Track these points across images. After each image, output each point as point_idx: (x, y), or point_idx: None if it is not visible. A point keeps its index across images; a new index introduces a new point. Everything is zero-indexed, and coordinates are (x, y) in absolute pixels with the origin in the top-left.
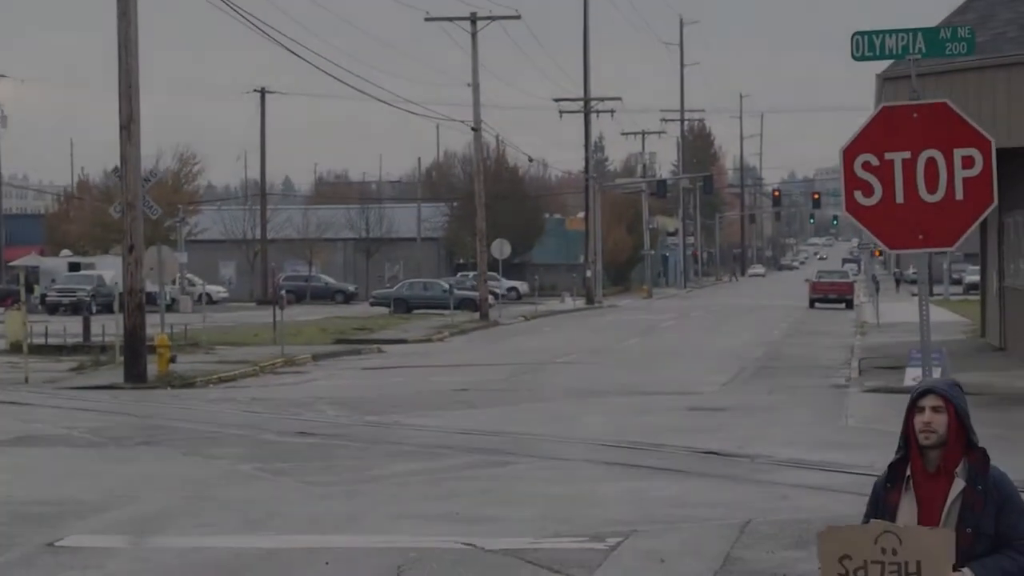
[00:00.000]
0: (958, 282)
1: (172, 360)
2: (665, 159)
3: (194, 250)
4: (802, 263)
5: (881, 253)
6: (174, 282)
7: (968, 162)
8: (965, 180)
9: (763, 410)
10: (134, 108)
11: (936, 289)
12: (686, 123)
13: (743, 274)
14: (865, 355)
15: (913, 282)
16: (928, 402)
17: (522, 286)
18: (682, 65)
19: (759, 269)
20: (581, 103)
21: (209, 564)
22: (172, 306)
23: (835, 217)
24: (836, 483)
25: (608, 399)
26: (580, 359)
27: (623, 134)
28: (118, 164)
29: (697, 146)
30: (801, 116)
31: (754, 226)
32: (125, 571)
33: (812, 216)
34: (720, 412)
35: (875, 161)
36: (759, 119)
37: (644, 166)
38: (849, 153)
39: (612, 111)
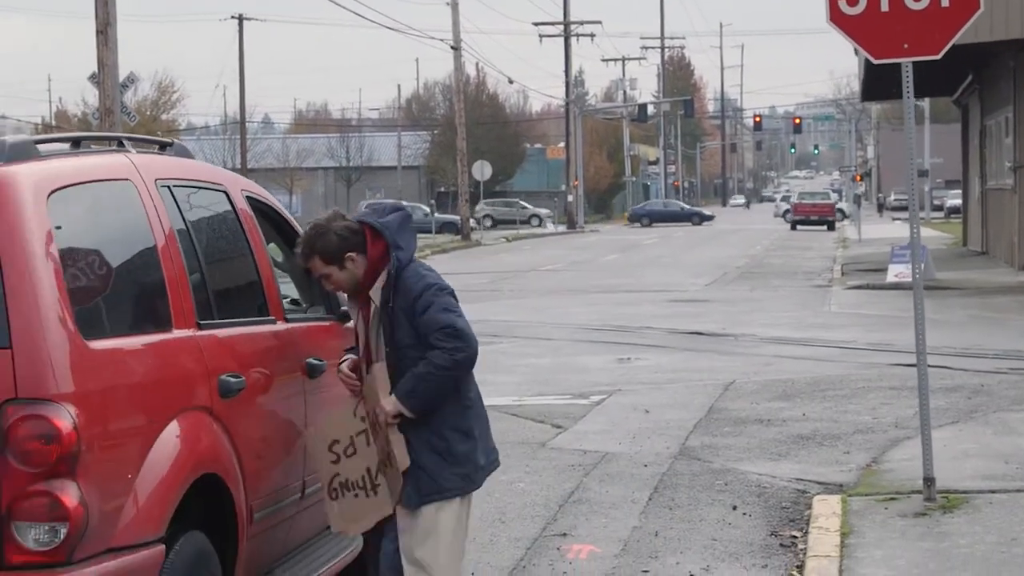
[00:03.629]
0: (939, 208)
1: None
2: (646, 89)
3: None
4: (784, 197)
5: (862, 178)
6: None
7: None
8: None
9: (746, 302)
10: (111, 12)
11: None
12: (666, 51)
13: (724, 205)
14: (847, 263)
15: (895, 208)
16: (316, 273)
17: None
18: None
19: (740, 200)
20: (561, 27)
21: None
22: None
23: (816, 147)
24: (820, 354)
25: (591, 296)
26: (563, 268)
27: (603, 60)
28: (95, 71)
29: (677, 76)
30: (781, 47)
31: (735, 156)
32: None
33: (793, 146)
34: (703, 303)
35: None
36: (740, 51)
37: (624, 92)
38: None
39: (592, 35)
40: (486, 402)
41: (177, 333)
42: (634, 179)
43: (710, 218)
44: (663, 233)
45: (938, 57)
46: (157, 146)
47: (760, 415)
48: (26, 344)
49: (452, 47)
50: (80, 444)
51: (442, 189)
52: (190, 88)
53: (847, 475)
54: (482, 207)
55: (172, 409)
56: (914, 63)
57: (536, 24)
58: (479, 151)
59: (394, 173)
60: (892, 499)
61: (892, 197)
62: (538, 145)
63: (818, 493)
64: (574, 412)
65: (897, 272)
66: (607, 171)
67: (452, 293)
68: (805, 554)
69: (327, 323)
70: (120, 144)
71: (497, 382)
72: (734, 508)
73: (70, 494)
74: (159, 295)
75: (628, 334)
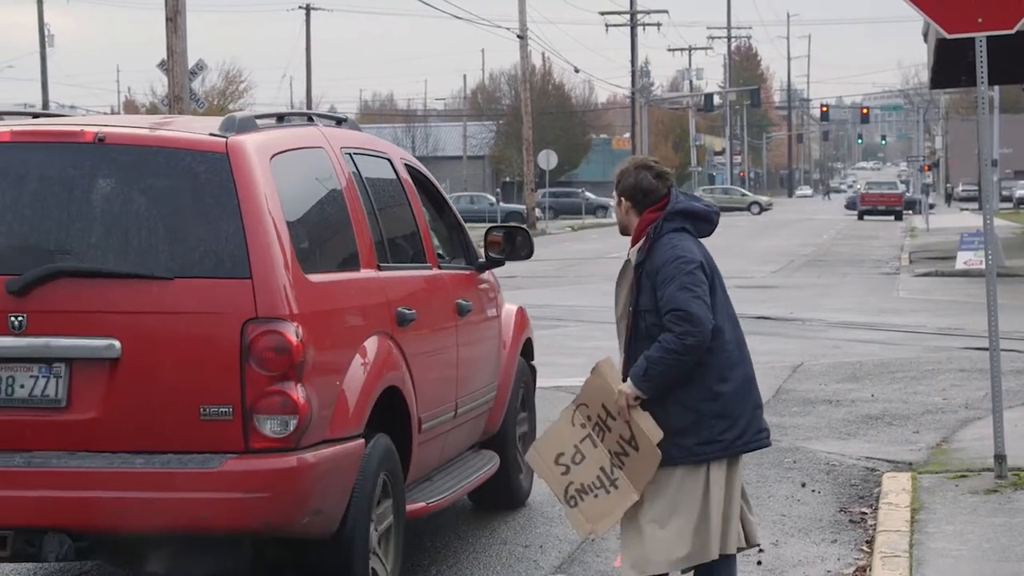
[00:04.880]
0: (1008, 199)
1: None
2: (712, 80)
3: None
4: (850, 186)
5: (930, 168)
6: None
7: None
8: None
9: (813, 288)
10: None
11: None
12: (733, 41)
13: (790, 196)
14: (915, 251)
15: (963, 199)
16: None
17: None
18: None
19: (807, 191)
20: (627, 16)
21: None
22: None
23: (883, 137)
24: (887, 338)
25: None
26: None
27: (669, 50)
28: (165, 58)
29: (744, 67)
30: (849, 37)
31: (801, 147)
32: None
33: (860, 136)
34: (770, 289)
35: None
36: (807, 41)
37: (691, 82)
38: None
39: (658, 24)
40: (552, 383)
41: (364, 273)
42: (700, 169)
43: (768, 207)
44: (726, 222)
45: (1013, 31)
46: (335, 121)
47: (828, 396)
48: (262, 275)
49: (518, 36)
50: (304, 354)
51: (507, 179)
52: (257, 78)
53: (917, 454)
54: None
55: (365, 332)
56: (986, 46)
57: (602, 13)
58: (544, 141)
59: (459, 163)
60: (962, 476)
61: (960, 187)
62: (603, 135)
63: (888, 471)
64: None
65: (966, 259)
66: (673, 161)
67: (702, 268)
68: (875, 529)
69: (467, 272)
70: (310, 119)
71: (562, 364)
72: (803, 485)
73: (298, 394)
74: (349, 241)
75: None
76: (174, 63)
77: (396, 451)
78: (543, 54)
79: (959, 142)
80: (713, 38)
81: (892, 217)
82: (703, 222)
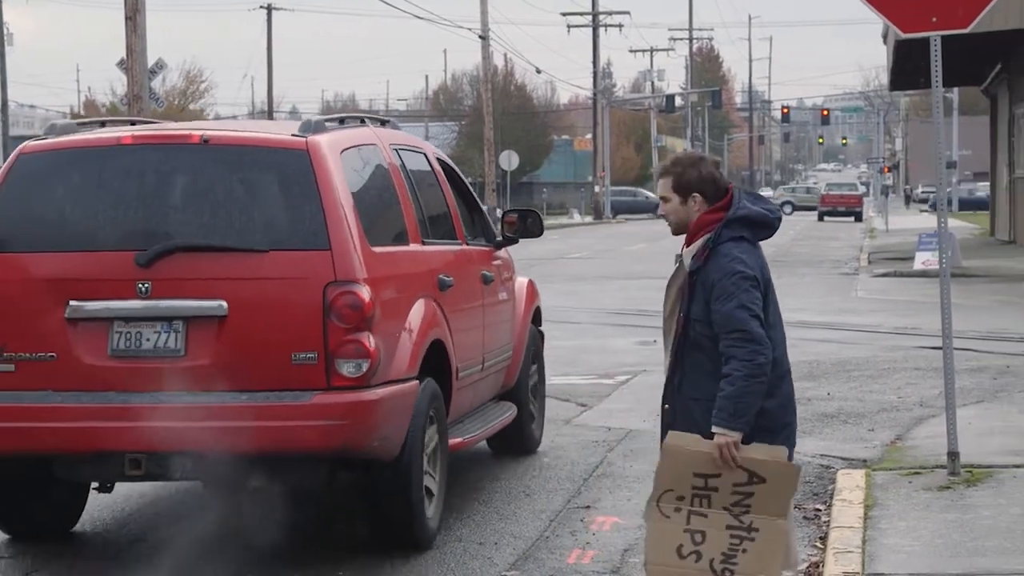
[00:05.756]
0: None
1: None
2: (673, 81)
3: None
4: (810, 188)
5: (890, 170)
6: None
7: None
8: None
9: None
10: None
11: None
12: (695, 43)
13: None
14: (874, 251)
15: (922, 200)
16: (658, 191)
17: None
18: None
19: (768, 192)
20: (589, 17)
21: None
22: None
23: (844, 139)
24: (845, 337)
25: (617, 282)
26: (590, 257)
27: (631, 51)
28: (124, 56)
29: (706, 68)
30: (810, 39)
31: (762, 148)
32: None
33: (821, 138)
34: None
35: None
36: (768, 43)
37: (652, 84)
38: None
39: (620, 25)
40: None
41: (412, 246)
42: None
43: None
44: None
45: (967, 30)
46: (379, 123)
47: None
48: (339, 247)
49: (480, 36)
50: (373, 310)
51: (469, 180)
52: (218, 78)
53: (871, 451)
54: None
55: (416, 294)
56: (943, 49)
57: (564, 14)
58: (506, 142)
59: None
60: (916, 473)
61: (920, 189)
62: (565, 136)
63: (842, 468)
64: (599, 391)
65: (924, 259)
66: (634, 162)
67: (758, 285)
68: (828, 526)
69: (488, 248)
70: (363, 121)
71: None
72: None
73: (369, 342)
74: (400, 220)
75: (653, 318)
76: (133, 62)
77: (440, 393)
78: (505, 55)
79: (919, 144)
80: (675, 39)
81: (852, 218)
82: (763, 228)
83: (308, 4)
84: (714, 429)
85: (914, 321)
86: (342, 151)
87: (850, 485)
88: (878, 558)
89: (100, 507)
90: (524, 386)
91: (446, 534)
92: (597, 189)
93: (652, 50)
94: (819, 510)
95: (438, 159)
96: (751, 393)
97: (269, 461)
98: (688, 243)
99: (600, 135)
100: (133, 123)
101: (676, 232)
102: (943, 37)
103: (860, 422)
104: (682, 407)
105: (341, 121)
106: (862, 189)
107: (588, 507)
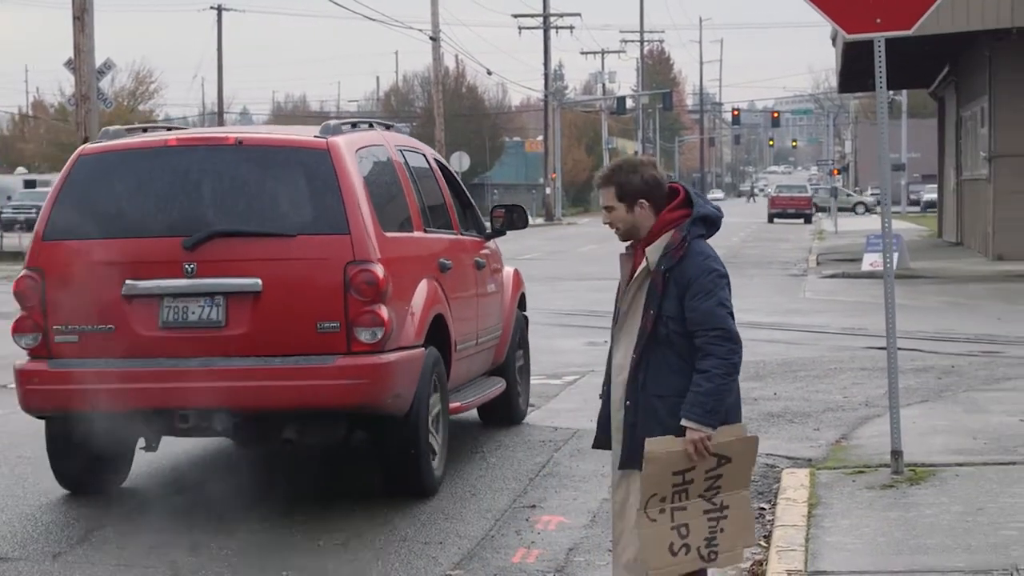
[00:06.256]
0: (915, 203)
1: None
2: (625, 83)
3: None
4: (761, 190)
5: (839, 172)
6: None
7: None
8: None
9: None
10: None
11: (894, 209)
12: (646, 45)
13: None
14: (823, 253)
15: (860, 203)
16: (602, 201)
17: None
18: None
19: (718, 194)
20: (540, 19)
21: None
22: None
23: (794, 141)
24: (792, 337)
25: (566, 283)
26: (540, 258)
27: (583, 53)
28: (71, 57)
29: (657, 70)
30: (761, 42)
31: (713, 150)
32: None
33: (771, 140)
34: None
35: None
36: (719, 45)
37: (604, 86)
38: None
39: (571, 27)
40: None
41: (416, 234)
42: None
43: None
44: None
45: (911, 32)
46: (384, 126)
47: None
48: (357, 232)
49: (431, 38)
50: (387, 286)
51: None
52: (168, 79)
53: (816, 450)
54: None
55: (421, 275)
56: (891, 51)
57: (515, 16)
58: (457, 143)
59: None
60: (860, 472)
61: (868, 192)
62: (516, 138)
63: (787, 467)
64: (547, 391)
65: (872, 261)
66: (585, 164)
67: (729, 283)
68: (773, 524)
69: (479, 239)
70: (371, 125)
71: None
72: None
73: (384, 312)
74: (405, 210)
75: (602, 319)
76: (81, 62)
77: (442, 361)
78: (456, 56)
79: (868, 146)
80: (626, 42)
81: (801, 220)
82: (715, 227)
83: (258, 5)
84: (687, 423)
85: (861, 321)
86: (357, 150)
87: (794, 484)
88: (821, 556)
89: (146, 465)
90: (511, 363)
91: (391, 534)
92: (548, 191)
93: (603, 52)
94: (764, 509)
95: (435, 159)
96: (726, 391)
97: (298, 416)
98: (648, 242)
99: (551, 137)
100: (169, 129)
101: (625, 238)
102: (890, 40)
103: (806, 422)
104: (645, 404)
105: (353, 125)
106: (811, 191)
107: (534, 506)
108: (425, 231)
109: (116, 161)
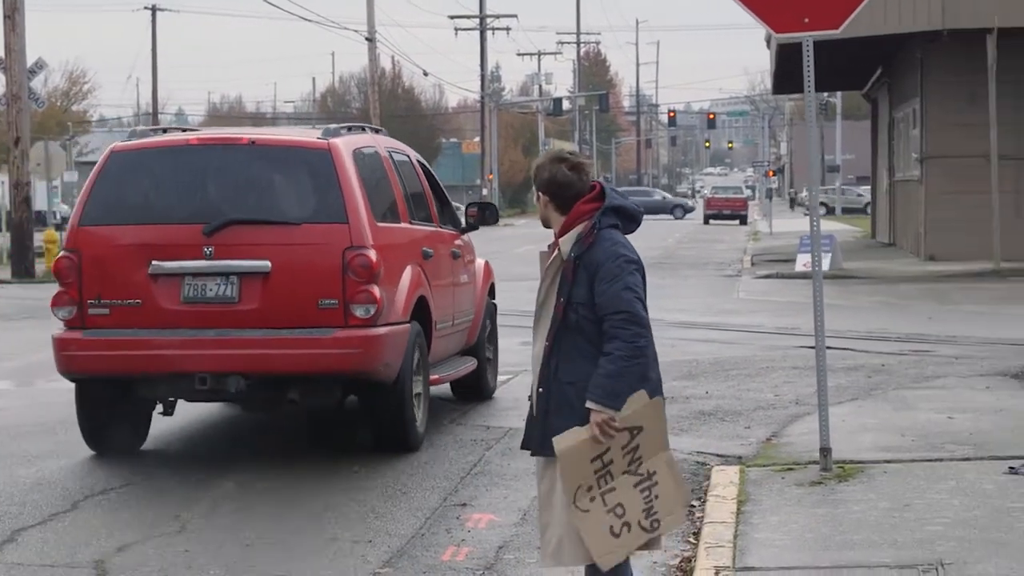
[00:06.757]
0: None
1: None
2: (562, 84)
3: (84, 171)
4: (697, 191)
5: (775, 174)
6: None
7: None
8: None
9: (655, 289)
10: None
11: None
12: (582, 47)
13: None
14: (758, 254)
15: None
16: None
17: None
18: None
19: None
20: (477, 20)
21: None
22: (62, 226)
23: (730, 143)
24: (725, 337)
25: (501, 284)
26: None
27: (519, 55)
28: (2, 56)
29: (593, 72)
30: (697, 44)
31: (650, 152)
32: (15, 404)
33: (707, 142)
34: None
35: None
36: (655, 47)
37: (540, 87)
38: None
39: (508, 29)
40: None
41: (403, 224)
42: None
43: None
44: None
45: (839, 31)
46: (373, 131)
47: (664, 393)
48: (354, 221)
49: (367, 39)
50: (379, 269)
51: None
52: (102, 80)
53: (747, 448)
54: None
55: (407, 260)
56: (826, 53)
57: (452, 17)
58: None
59: None
60: (789, 469)
61: (804, 193)
62: (453, 139)
63: (717, 465)
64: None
65: (805, 261)
66: (522, 165)
67: (640, 270)
68: (702, 521)
69: (455, 232)
70: (363, 129)
71: None
72: None
73: (376, 291)
74: (394, 204)
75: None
76: (12, 61)
77: (424, 336)
78: (393, 57)
79: (803, 148)
80: (562, 43)
81: (737, 221)
82: (631, 221)
83: (193, 5)
84: (591, 405)
85: (794, 321)
86: (353, 150)
87: (724, 481)
88: (749, 552)
89: (161, 429)
90: (482, 344)
91: (320, 532)
92: (485, 192)
93: (540, 54)
94: (693, 506)
95: (418, 160)
96: (630, 374)
97: (300, 380)
98: (562, 233)
99: (488, 138)
100: (184, 130)
101: (545, 226)
102: (823, 41)
103: (737, 420)
104: (558, 391)
105: (349, 129)
106: (747, 192)
107: (464, 505)
108: (410, 223)
109: (144, 157)
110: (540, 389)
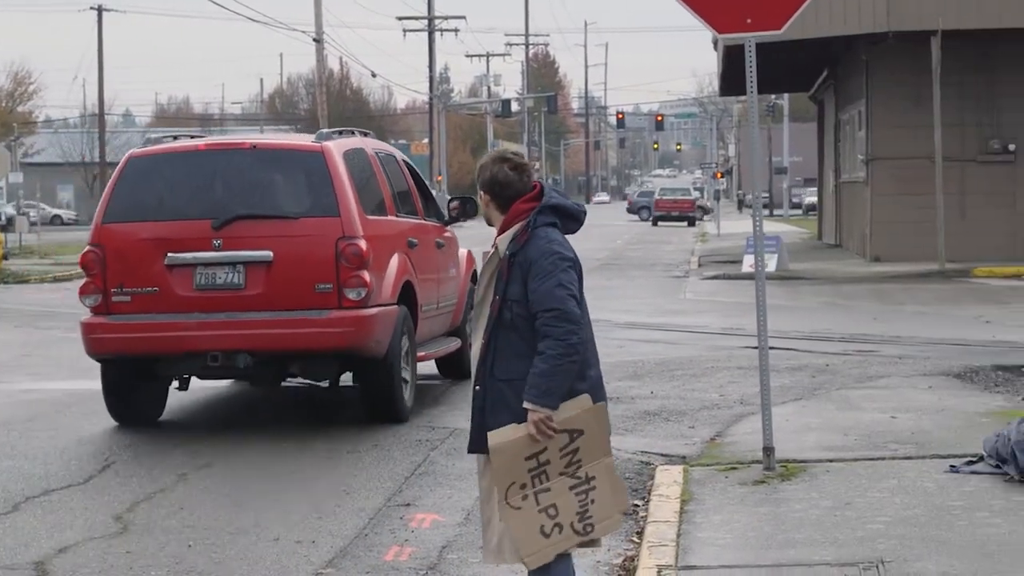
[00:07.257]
0: (797, 205)
1: (4, 258)
2: (511, 86)
3: (30, 172)
4: (639, 186)
5: (723, 175)
6: (18, 209)
7: None
8: None
9: (602, 290)
10: None
11: (776, 212)
12: (531, 48)
13: (588, 202)
14: (705, 255)
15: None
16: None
17: None
18: None
19: (604, 197)
20: (425, 22)
21: (41, 401)
22: (8, 227)
23: (678, 145)
24: (671, 337)
25: None
26: None
27: (468, 56)
28: None
29: (542, 74)
30: (645, 46)
31: (598, 154)
32: None
33: (656, 144)
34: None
35: None
36: (604, 49)
37: (489, 88)
38: None
39: (456, 30)
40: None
41: (390, 217)
42: None
43: None
44: None
45: (781, 32)
46: (362, 134)
47: (609, 393)
48: (345, 215)
49: (315, 40)
50: (369, 256)
51: None
52: (48, 80)
53: (691, 448)
54: None
55: (394, 249)
56: (772, 56)
57: (400, 19)
58: None
59: None
60: (733, 469)
61: (751, 194)
62: (402, 141)
63: (661, 465)
64: (427, 391)
65: (751, 262)
66: (471, 167)
67: (575, 267)
68: (645, 521)
69: (439, 224)
70: (352, 133)
71: None
72: None
73: (367, 276)
74: (381, 199)
75: None
76: None
77: (410, 318)
78: (341, 59)
79: (751, 150)
80: (511, 45)
81: (685, 223)
82: (572, 220)
83: (140, 6)
84: (526, 405)
85: (740, 322)
86: (344, 152)
87: (668, 481)
88: (691, 551)
89: (177, 403)
90: (464, 328)
91: (263, 533)
92: (434, 193)
93: (488, 55)
94: (637, 506)
95: (403, 160)
96: (563, 372)
97: (300, 357)
98: (501, 231)
99: (437, 139)
100: (192, 136)
101: (489, 224)
102: (770, 43)
103: (681, 420)
104: (493, 388)
105: (340, 133)
106: (696, 194)
107: (408, 505)
108: (396, 215)
109: (158, 162)
110: (477, 387)
